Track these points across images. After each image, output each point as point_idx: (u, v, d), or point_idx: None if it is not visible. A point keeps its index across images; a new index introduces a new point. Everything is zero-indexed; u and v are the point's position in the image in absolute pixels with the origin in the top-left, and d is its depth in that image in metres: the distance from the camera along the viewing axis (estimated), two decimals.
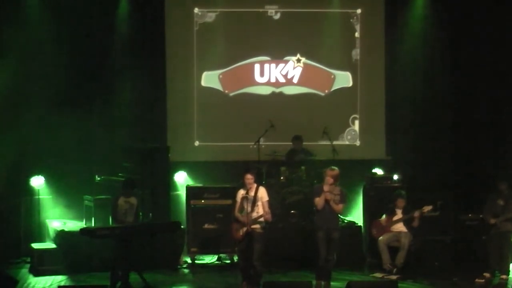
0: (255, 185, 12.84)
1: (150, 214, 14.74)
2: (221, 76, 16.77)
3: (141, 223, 13.78)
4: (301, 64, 16.83)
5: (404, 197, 14.39)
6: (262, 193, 12.82)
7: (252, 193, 12.77)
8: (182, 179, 16.22)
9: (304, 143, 15.77)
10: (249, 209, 12.69)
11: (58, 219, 15.34)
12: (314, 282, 12.68)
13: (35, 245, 14.66)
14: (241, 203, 12.80)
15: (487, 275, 13.68)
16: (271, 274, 13.51)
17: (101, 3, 16.10)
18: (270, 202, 12.95)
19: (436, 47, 16.88)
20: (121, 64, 16.12)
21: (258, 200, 12.77)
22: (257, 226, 12.73)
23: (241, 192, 12.87)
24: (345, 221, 15.17)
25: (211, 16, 16.70)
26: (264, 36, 16.81)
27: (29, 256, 14.78)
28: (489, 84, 16.51)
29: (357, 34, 16.94)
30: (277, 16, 16.83)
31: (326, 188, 12.92)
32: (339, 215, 13.46)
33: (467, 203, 15.07)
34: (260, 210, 12.76)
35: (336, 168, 13.08)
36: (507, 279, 13.72)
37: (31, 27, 15.59)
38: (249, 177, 12.77)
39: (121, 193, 13.32)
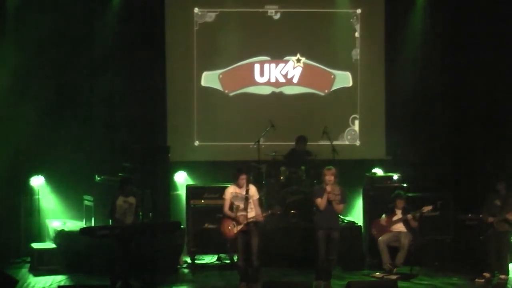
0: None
1: (150, 214, 14.74)
2: (221, 76, 16.77)
3: (141, 223, 13.78)
4: (301, 64, 16.82)
5: (404, 197, 14.38)
6: (254, 191, 12.99)
7: (244, 192, 12.88)
8: (182, 179, 16.22)
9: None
10: (244, 206, 12.76)
11: (58, 219, 15.35)
12: (314, 282, 12.72)
13: (35, 245, 14.68)
14: (232, 201, 12.87)
15: (487, 275, 13.69)
16: (271, 274, 13.49)
17: (102, 2, 16.11)
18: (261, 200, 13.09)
19: (436, 47, 16.87)
20: (121, 64, 16.13)
21: (250, 198, 12.87)
22: (253, 220, 12.83)
23: (230, 190, 12.98)
24: (345, 221, 15.16)
25: (211, 16, 16.70)
26: (264, 36, 16.80)
27: (29, 256, 14.77)
28: (489, 83, 16.50)
29: (357, 34, 16.93)
30: (277, 16, 16.82)
31: (329, 188, 12.95)
32: (339, 215, 13.50)
33: (467, 203, 15.04)
34: (253, 207, 12.88)
35: (331, 167, 13.16)
36: (506, 279, 13.73)
37: (31, 27, 15.57)
38: (243, 177, 12.86)
39: (119, 193, 13.33)
